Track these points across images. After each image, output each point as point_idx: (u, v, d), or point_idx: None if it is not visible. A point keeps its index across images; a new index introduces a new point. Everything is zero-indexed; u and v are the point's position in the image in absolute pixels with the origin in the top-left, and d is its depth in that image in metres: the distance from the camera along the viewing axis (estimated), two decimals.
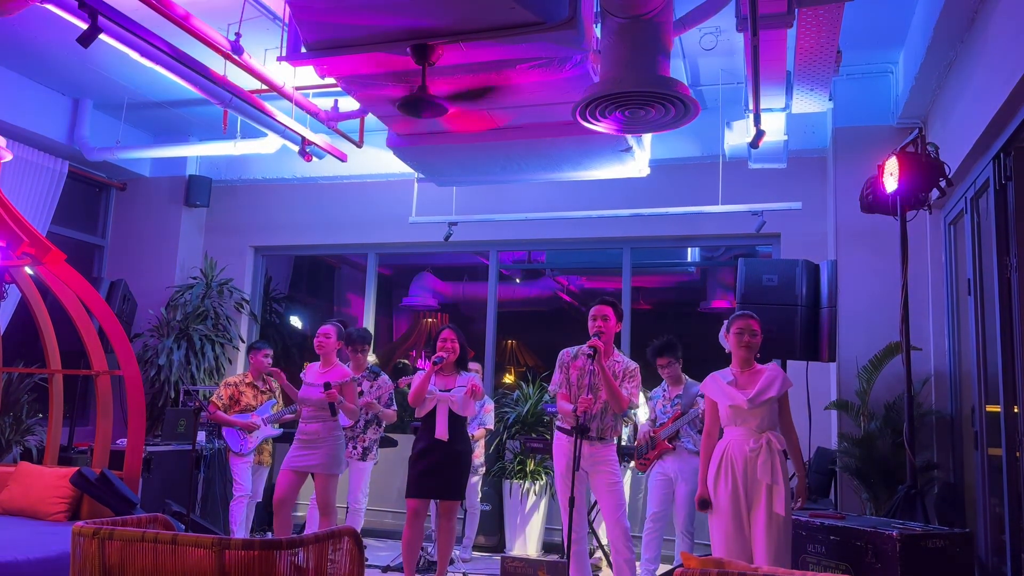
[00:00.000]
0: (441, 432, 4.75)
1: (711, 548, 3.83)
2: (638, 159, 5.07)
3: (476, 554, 6.35)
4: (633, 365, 4.59)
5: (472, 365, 6.08)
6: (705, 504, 3.78)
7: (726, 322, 3.99)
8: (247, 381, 6.11)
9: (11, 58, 6.37)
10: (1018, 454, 3.98)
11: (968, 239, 4.87)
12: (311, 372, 5.14)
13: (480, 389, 4.88)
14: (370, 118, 5.91)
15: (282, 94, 5.49)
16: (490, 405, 6.37)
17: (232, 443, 5.90)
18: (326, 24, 3.70)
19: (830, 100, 5.33)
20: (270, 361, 6.16)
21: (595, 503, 5.05)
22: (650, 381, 5.82)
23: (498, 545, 6.51)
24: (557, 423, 4.63)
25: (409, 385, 5.03)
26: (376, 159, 7.34)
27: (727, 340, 3.95)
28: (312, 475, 5.02)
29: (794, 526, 3.78)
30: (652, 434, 5.27)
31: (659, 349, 5.34)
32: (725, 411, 3.82)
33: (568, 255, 8.92)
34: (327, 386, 4.87)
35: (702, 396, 5.22)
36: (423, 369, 4.95)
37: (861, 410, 5.38)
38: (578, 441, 4.21)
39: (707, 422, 3.95)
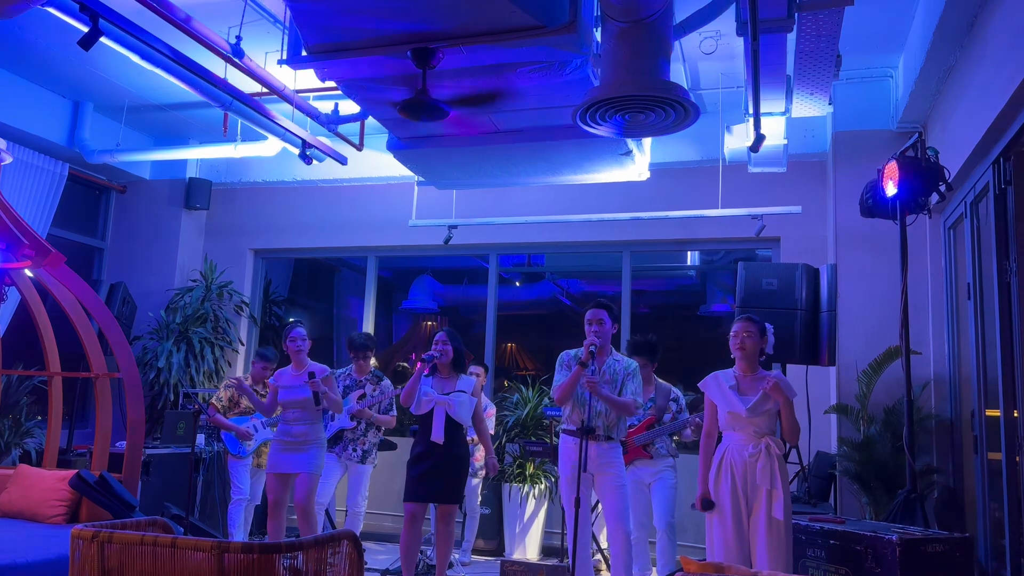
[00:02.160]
0: (437, 435, 4.74)
1: (706, 552, 3.83)
2: (638, 163, 5.08)
3: (476, 558, 6.34)
4: (633, 364, 4.53)
5: (475, 369, 6.07)
6: (707, 504, 3.78)
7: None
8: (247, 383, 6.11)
9: (12, 60, 6.37)
10: (1018, 458, 3.98)
11: (968, 243, 4.87)
12: (285, 376, 5.17)
13: (494, 466, 5.15)
14: (370, 121, 5.91)
15: (282, 97, 5.49)
16: (492, 409, 6.36)
17: (231, 446, 5.90)
18: (327, 27, 3.71)
19: (830, 104, 5.33)
20: (269, 374, 6.15)
21: (596, 503, 5.02)
22: None
23: (497, 549, 6.51)
24: (562, 426, 4.59)
25: None
26: (376, 162, 7.35)
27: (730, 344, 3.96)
28: (296, 476, 5.05)
29: (794, 530, 3.78)
30: (623, 439, 5.15)
31: (639, 348, 5.14)
32: (724, 416, 3.83)
33: (568, 258, 8.91)
34: (311, 376, 4.94)
35: (675, 400, 5.20)
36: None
37: (861, 414, 5.38)
38: (584, 443, 4.18)
39: (706, 423, 3.96)
